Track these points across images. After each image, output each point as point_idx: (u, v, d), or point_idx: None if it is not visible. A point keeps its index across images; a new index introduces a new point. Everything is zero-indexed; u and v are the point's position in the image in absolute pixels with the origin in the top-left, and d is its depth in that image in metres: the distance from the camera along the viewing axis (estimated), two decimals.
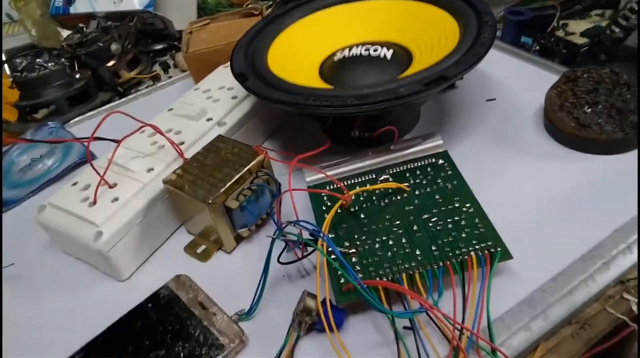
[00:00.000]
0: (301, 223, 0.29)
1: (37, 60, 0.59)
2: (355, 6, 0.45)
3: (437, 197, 0.34)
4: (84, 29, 0.66)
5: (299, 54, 0.43)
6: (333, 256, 0.30)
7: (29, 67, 0.59)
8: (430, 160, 0.37)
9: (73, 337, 0.31)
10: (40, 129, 0.53)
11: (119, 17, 0.68)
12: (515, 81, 0.47)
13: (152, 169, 0.38)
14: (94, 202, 0.36)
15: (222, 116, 0.43)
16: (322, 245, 0.29)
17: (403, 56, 0.42)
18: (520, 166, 0.38)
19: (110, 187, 0.37)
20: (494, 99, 0.45)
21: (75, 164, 0.49)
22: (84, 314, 0.34)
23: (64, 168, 0.48)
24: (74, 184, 0.38)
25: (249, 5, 0.74)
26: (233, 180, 0.35)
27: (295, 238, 0.30)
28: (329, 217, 0.31)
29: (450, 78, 0.33)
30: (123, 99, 0.61)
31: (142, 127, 0.38)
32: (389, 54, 0.41)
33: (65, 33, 0.71)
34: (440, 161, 0.36)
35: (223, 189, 0.34)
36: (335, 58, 0.42)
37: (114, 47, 0.64)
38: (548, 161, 0.38)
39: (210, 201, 0.33)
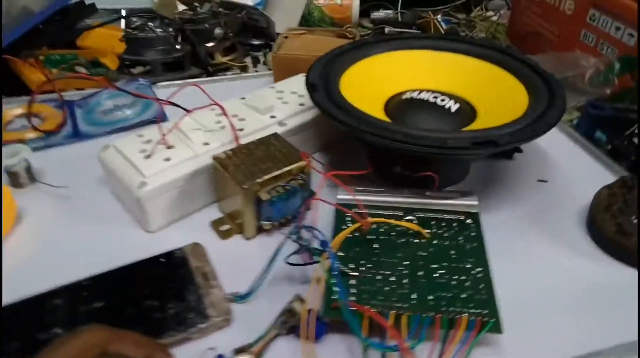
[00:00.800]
0: (315, 231, 0.31)
1: (149, 24, 0.66)
2: (436, 55, 0.47)
3: (452, 252, 0.34)
4: (198, 9, 0.72)
5: (371, 83, 0.45)
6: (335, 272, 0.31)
7: (140, 28, 0.66)
8: (459, 216, 0.37)
9: (87, 265, 0.35)
10: (131, 83, 0.59)
11: (230, 7, 0.74)
12: (574, 171, 0.46)
13: (208, 144, 0.42)
14: (150, 156, 0.40)
15: (285, 117, 0.46)
16: (326, 259, 0.31)
17: (468, 112, 0.43)
18: (547, 254, 0.38)
19: (168, 147, 0.41)
20: (546, 181, 0.45)
21: (149, 121, 0.54)
22: (104, 249, 0.38)
23: (138, 121, 0.54)
24: (140, 135, 0.43)
25: (347, 28, 0.78)
26: (272, 175, 0.37)
27: (305, 243, 0.32)
28: (342, 234, 0.33)
29: (500, 145, 0.34)
30: (209, 78, 0.66)
31: (212, 105, 0.42)
32: (454, 106, 0.42)
33: (181, 7, 0.78)
34: (469, 221, 0.37)
35: (260, 180, 0.37)
36: (404, 97, 0.44)
37: (217, 31, 0.70)
38: (578, 257, 0.38)
39: (245, 186, 0.36)
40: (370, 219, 0.34)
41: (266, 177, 0.37)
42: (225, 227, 0.40)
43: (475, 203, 0.38)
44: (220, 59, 0.71)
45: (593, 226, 0.39)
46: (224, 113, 0.42)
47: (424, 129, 0.35)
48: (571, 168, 0.47)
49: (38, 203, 0.43)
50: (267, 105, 0.46)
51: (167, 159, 0.40)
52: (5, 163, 0.43)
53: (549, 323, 0.32)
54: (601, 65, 0.54)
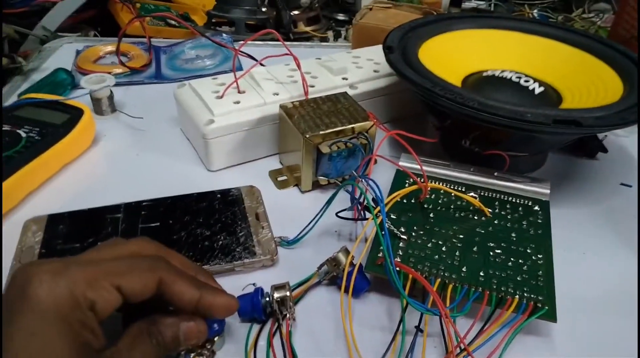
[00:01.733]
0: (371, 182, 0.30)
1: None
2: (526, 37, 0.44)
3: (514, 235, 0.32)
4: None
5: (452, 57, 0.43)
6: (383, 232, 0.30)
7: None
8: (527, 201, 0.35)
9: (148, 190, 0.37)
10: (215, 36, 0.61)
11: None
12: None
13: (277, 94, 0.42)
14: (221, 96, 0.41)
15: (357, 81, 0.45)
16: (377, 215, 0.30)
17: (553, 96, 0.40)
18: (616, 256, 0.35)
19: (239, 92, 0.42)
20: (630, 186, 0.41)
21: (226, 72, 0.55)
22: (167, 179, 0.39)
23: (216, 70, 0.55)
24: (214, 78, 0.44)
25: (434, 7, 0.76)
26: (335, 129, 0.37)
27: (359, 194, 0.31)
28: (397, 193, 0.32)
29: (584, 126, 0.31)
30: (287, 43, 0.66)
31: (288, 54, 0.42)
32: (538, 89, 0.39)
33: None
34: (536, 208, 0.34)
35: (323, 132, 0.36)
36: (485, 74, 0.42)
37: (303, 0, 0.71)
38: None
39: (307, 136, 0.36)
40: (430, 184, 0.33)
41: (329, 131, 0.37)
42: (282, 178, 0.40)
43: (547, 191, 0.35)
44: (302, 27, 0.72)
45: None
46: (297, 65, 0.42)
47: (502, 102, 0.33)
48: None
49: (114, 130, 0.45)
50: (341, 67, 0.46)
51: (237, 102, 0.40)
52: (90, 88, 0.45)
53: (604, 323, 0.30)
54: None
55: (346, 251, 0.31)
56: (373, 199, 0.30)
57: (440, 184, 0.36)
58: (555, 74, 0.42)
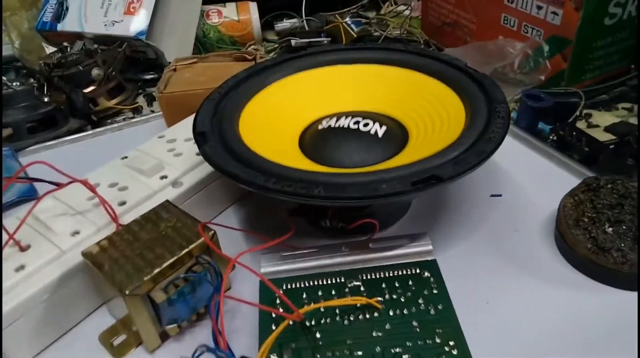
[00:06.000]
0: (221, 355, 0.22)
1: (3, 77, 0.54)
2: (348, 69, 0.40)
3: (415, 325, 0.27)
4: (68, 49, 0.61)
5: (279, 118, 0.37)
6: None
7: None
8: (413, 270, 0.30)
9: None
10: None
11: (107, 42, 0.63)
12: (527, 176, 0.40)
13: (78, 233, 0.31)
14: None
15: (180, 175, 0.36)
16: None
17: (397, 134, 0.35)
18: (521, 288, 0.31)
19: (22, 249, 0.30)
20: (500, 195, 0.39)
21: (13, 203, 0.42)
22: None
23: None
24: None
25: (251, 46, 0.70)
26: (165, 265, 0.28)
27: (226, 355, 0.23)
28: (269, 341, 0.24)
29: (444, 180, 0.26)
30: (93, 131, 0.55)
31: (71, 183, 0.32)
32: (381, 131, 0.35)
33: (50, 50, 0.66)
34: (426, 274, 0.29)
35: (149, 276, 0.27)
36: (320, 126, 0.36)
37: (95, 72, 0.59)
38: (555, 285, 0.31)
39: (128, 292, 0.26)
40: (301, 311, 0.26)
41: (157, 270, 0.27)
42: (119, 339, 0.30)
43: (430, 247, 0.31)
44: (105, 103, 0.60)
45: (564, 245, 0.33)
46: (89, 188, 0.32)
47: (349, 175, 0.27)
48: (522, 173, 0.41)
49: None
50: (154, 163, 0.37)
51: (21, 268, 0.29)
52: None
53: None
54: (528, 49, 0.49)
55: None
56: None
57: (315, 281, 0.29)
58: (391, 104, 0.38)
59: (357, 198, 0.25)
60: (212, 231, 0.30)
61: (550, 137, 0.46)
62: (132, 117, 0.60)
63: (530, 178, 0.40)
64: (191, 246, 0.29)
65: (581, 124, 0.48)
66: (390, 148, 0.34)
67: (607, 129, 0.48)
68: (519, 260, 0.33)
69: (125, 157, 0.39)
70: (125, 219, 0.32)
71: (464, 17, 0.59)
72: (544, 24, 0.48)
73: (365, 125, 0.35)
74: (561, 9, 0.46)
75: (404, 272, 0.30)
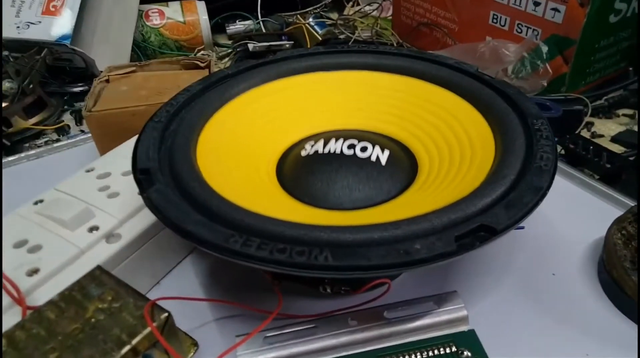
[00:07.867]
0: None
1: None
2: (337, 77, 0.32)
3: None
4: None
5: (250, 141, 0.28)
6: None
7: None
8: (447, 348, 0.22)
9: None
10: None
11: (22, 48, 0.51)
12: (545, 201, 0.34)
13: None
14: None
15: (117, 225, 0.27)
16: None
17: (403, 159, 0.28)
18: (565, 342, 0.24)
19: None
20: (523, 227, 0.32)
21: None
22: None
23: None
24: None
25: (200, 52, 0.60)
26: None
27: None
28: None
29: (499, 231, 0.19)
30: (6, 160, 0.43)
31: None
32: (383, 156, 0.27)
33: None
34: (466, 353, 0.22)
35: None
36: (303, 152, 0.28)
37: (6, 85, 0.48)
38: (621, 349, 0.25)
39: None
40: None
41: None
42: None
43: (464, 312, 0.23)
44: (22, 123, 0.49)
45: (621, 294, 0.26)
46: None
47: (363, 228, 0.19)
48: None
49: None
50: (80, 209, 0.27)
51: None
52: None
53: None
54: (524, 51, 0.43)
55: None
56: None
57: None
58: (388, 119, 0.30)
59: (384, 267, 0.17)
60: (166, 314, 0.21)
61: (560, 151, 0.40)
62: (57, 140, 0.49)
63: (550, 204, 0.34)
64: (135, 341, 0.20)
65: (584, 134, 0.43)
66: (398, 179, 0.26)
67: (614, 139, 0.43)
68: (569, 317, 0.26)
69: (40, 201, 0.29)
70: (37, 298, 0.23)
71: (443, 16, 0.53)
72: (542, 23, 0.43)
73: (363, 149, 0.27)
74: (564, 5, 0.40)
75: (435, 352, 0.22)
